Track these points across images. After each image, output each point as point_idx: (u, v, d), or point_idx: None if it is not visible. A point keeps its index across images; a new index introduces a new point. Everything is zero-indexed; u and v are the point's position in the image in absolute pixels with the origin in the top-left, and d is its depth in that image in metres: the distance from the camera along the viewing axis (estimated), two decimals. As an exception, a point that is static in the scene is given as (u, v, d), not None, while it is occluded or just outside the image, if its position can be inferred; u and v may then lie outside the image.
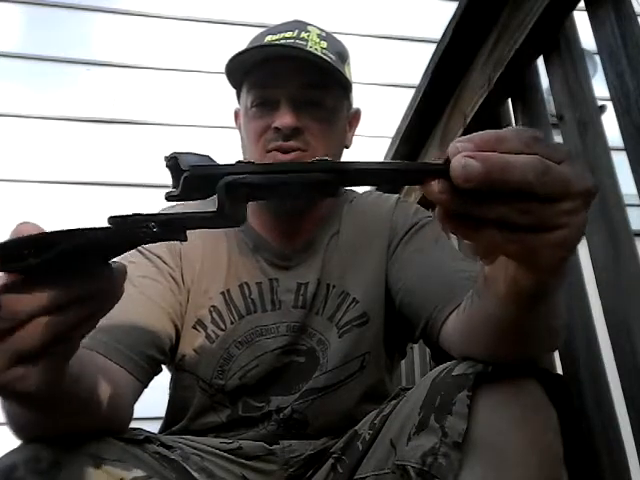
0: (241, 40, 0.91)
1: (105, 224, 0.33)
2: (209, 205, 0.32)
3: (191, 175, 0.31)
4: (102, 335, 0.67)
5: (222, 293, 0.85)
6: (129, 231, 0.32)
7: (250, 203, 0.34)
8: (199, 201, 0.36)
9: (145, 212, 0.33)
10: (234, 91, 0.93)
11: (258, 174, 0.32)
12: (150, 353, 0.74)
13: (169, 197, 0.33)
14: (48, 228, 0.36)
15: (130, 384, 0.69)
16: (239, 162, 0.33)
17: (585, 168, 0.38)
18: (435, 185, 0.35)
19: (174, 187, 0.33)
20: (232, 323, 0.84)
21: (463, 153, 0.34)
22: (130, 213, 0.32)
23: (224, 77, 0.89)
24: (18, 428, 0.56)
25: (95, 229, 0.33)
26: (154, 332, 0.76)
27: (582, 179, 0.37)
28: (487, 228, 0.36)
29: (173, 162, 0.33)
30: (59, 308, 0.36)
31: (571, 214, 0.36)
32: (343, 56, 0.89)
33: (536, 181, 0.34)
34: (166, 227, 0.32)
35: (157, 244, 0.83)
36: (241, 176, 0.31)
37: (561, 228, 0.36)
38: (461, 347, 0.65)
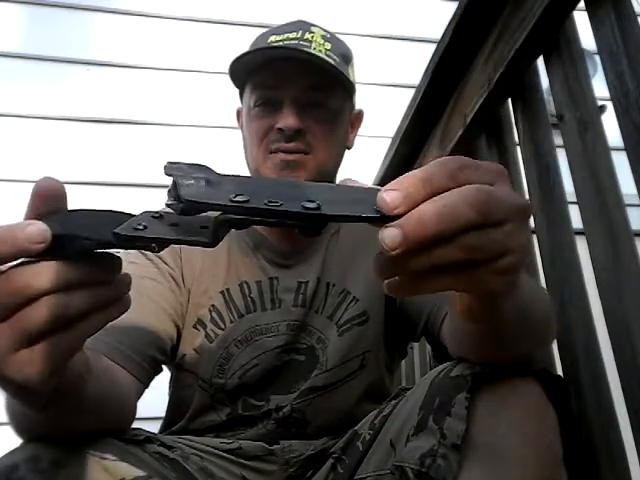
0: (241, 40, 0.91)
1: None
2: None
3: (186, 207, 0.34)
4: (104, 335, 0.67)
5: (222, 292, 0.85)
6: (131, 246, 0.36)
7: None
8: None
9: (146, 223, 0.35)
10: (235, 91, 0.93)
11: (250, 216, 0.34)
12: (151, 353, 0.74)
13: (168, 206, 0.35)
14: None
15: (132, 384, 0.70)
16: (234, 195, 0.34)
17: (511, 186, 0.37)
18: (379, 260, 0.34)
19: (171, 198, 0.35)
20: (232, 322, 0.84)
21: (389, 227, 0.33)
22: (135, 233, 0.35)
23: (224, 77, 0.89)
24: (22, 429, 0.56)
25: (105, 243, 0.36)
26: (155, 332, 0.76)
27: (517, 197, 0.36)
28: (434, 274, 0.34)
29: (173, 180, 0.35)
30: (68, 287, 0.36)
31: (514, 236, 0.35)
32: (347, 57, 0.89)
33: (479, 215, 0.33)
34: (166, 246, 0.36)
35: None
36: (236, 217, 0.35)
37: (507, 254, 0.35)
38: (453, 348, 0.65)
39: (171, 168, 0.35)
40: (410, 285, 0.35)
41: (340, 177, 0.91)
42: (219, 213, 0.35)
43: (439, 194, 0.33)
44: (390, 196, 0.33)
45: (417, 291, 0.36)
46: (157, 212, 0.36)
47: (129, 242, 0.35)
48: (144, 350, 0.73)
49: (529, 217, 0.37)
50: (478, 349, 0.60)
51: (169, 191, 0.35)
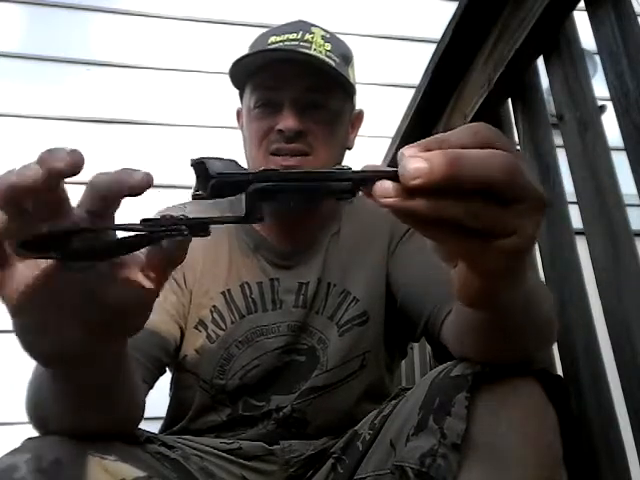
0: (241, 40, 0.91)
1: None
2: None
3: (218, 182, 0.33)
4: None
5: (223, 293, 0.85)
6: (160, 235, 0.35)
7: None
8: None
9: (177, 216, 0.34)
10: (234, 91, 0.93)
11: (282, 182, 0.34)
12: (156, 355, 0.75)
13: (195, 196, 0.35)
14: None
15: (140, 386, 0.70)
16: (264, 170, 0.34)
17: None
18: (381, 186, 0.32)
19: (197, 187, 0.35)
20: (233, 323, 0.84)
21: (409, 153, 0.32)
22: (160, 217, 0.34)
23: (224, 77, 0.89)
24: (41, 416, 0.57)
25: (128, 237, 0.35)
26: (159, 334, 0.76)
27: (537, 183, 0.34)
28: (438, 227, 0.33)
29: (199, 166, 0.35)
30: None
31: (524, 219, 0.33)
32: (347, 58, 0.89)
33: (502, 179, 0.32)
34: (196, 229, 0.35)
35: None
36: (268, 184, 0.34)
37: (512, 235, 0.33)
38: (455, 348, 0.65)
39: (198, 161, 0.35)
40: (407, 217, 0.33)
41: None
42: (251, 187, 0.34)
43: None
44: (415, 166, 0.31)
45: (424, 231, 0.34)
46: (167, 214, 0.35)
47: (158, 228, 0.34)
48: (149, 351, 0.73)
49: (544, 207, 0.35)
50: (482, 344, 0.59)
51: (196, 183, 0.35)
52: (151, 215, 0.37)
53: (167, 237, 0.35)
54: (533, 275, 0.55)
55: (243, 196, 0.34)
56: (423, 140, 0.33)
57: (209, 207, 0.87)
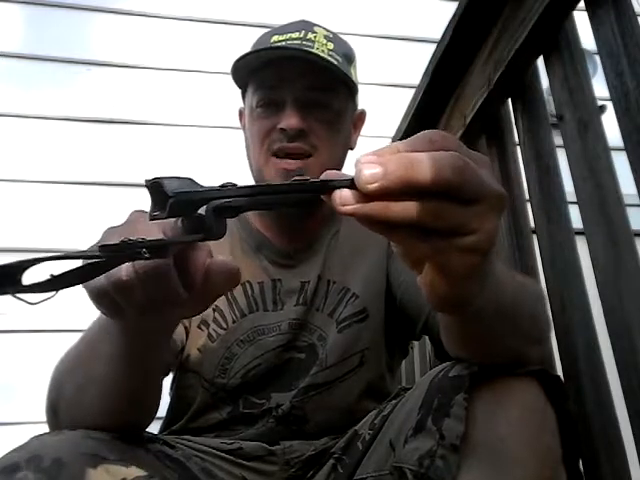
0: (241, 40, 0.91)
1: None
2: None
3: (176, 201, 0.33)
4: None
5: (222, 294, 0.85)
6: (120, 260, 0.34)
7: None
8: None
9: (134, 239, 0.33)
10: (235, 91, 0.93)
11: (240, 197, 0.34)
12: (164, 357, 0.75)
13: (153, 218, 0.34)
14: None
15: None
16: (223, 185, 0.34)
17: (495, 176, 0.36)
18: (339, 196, 0.33)
19: (155, 208, 0.34)
20: (234, 322, 0.84)
21: (364, 160, 0.33)
22: (120, 242, 0.33)
23: (225, 77, 0.89)
24: (70, 402, 0.60)
25: (85, 264, 0.34)
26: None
27: (496, 184, 0.35)
28: (397, 229, 0.34)
29: (155, 186, 0.34)
30: None
31: (483, 218, 0.34)
32: (349, 57, 0.89)
33: (454, 178, 0.32)
34: (157, 253, 0.34)
35: None
36: (226, 200, 0.34)
37: (472, 233, 0.34)
38: (448, 347, 0.65)
39: (153, 181, 0.34)
40: (368, 222, 0.34)
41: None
42: (209, 204, 0.34)
43: None
44: (370, 172, 0.32)
45: (384, 234, 0.35)
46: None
47: (117, 252, 0.33)
48: None
49: (504, 206, 0.36)
50: (464, 346, 0.60)
51: (153, 203, 0.34)
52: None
53: (127, 261, 0.34)
54: (507, 272, 0.55)
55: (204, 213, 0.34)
56: (379, 149, 0.34)
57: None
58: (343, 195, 0.33)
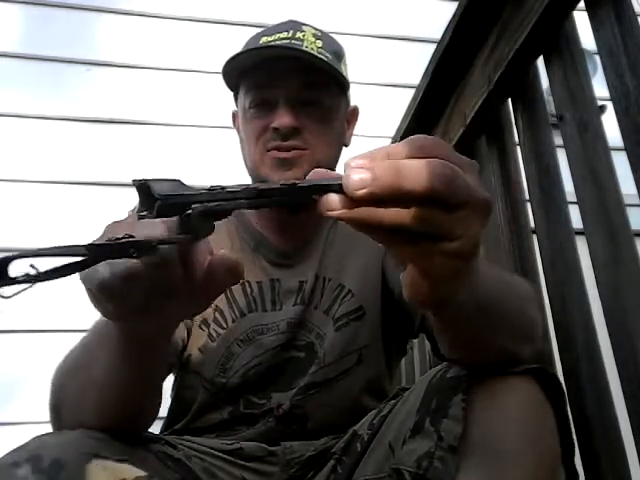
0: (241, 40, 0.91)
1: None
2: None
3: (163, 204, 0.34)
4: None
5: (224, 291, 0.85)
6: (108, 256, 0.34)
7: None
8: None
9: (122, 236, 0.34)
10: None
11: (227, 201, 0.34)
12: (167, 358, 0.75)
13: (141, 217, 0.35)
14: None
15: None
16: (211, 188, 0.34)
17: (480, 181, 0.36)
18: (326, 200, 0.34)
19: (142, 208, 0.35)
20: (233, 321, 0.84)
21: (354, 164, 0.33)
22: (108, 240, 0.33)
23: (224, 77, 0.89)
24: (72, 402, 0.60)
25: (72, 262, 0.33)
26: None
27: (482, 190, 0.36)
28: (383, 232, 0.34)
29: (143, 187, 0.34)
30: None
31: (468, 224, 0.35)
32: (339, 55, 0.89)
33: (441, 186, 0.33)
34: (144, 251, 0.34)
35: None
36: (213, 204, 0.34)
37: (456, 239, 0.35)
38: (441, 349, 0.65)
39: (141, 182, 0.35)
40: (355, 226, 0.35)
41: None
42: (195, 207, 0.34)
43: None
44: (358, 177, 0.33)
45: (361, 231, 0.35)
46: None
47: (103, 252, 0.33)
48: None
49: (488, 211, 0.36)
50: (452, 346, 0.60)
51: (140, 203, 0.35)
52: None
53: (114, 259, 0.34)
54: (494, 271, 0.55)
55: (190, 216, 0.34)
56: (369, 151, 0.35)
57: None
58: (330, 200, 0.34)
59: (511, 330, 0.59)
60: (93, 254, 0.33)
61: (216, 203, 0.34)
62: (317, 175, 0.35)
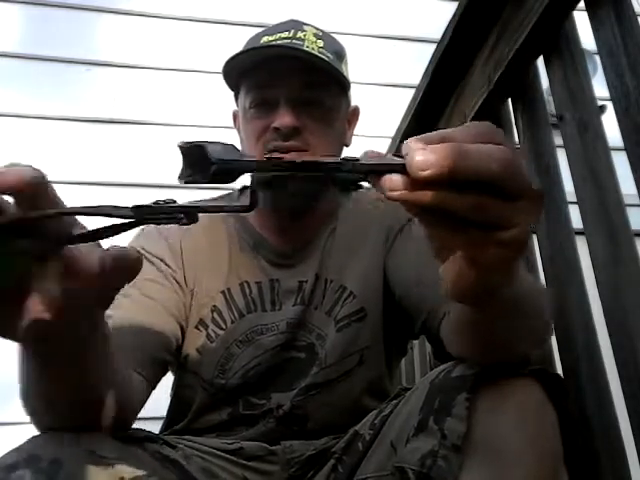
0: (241, 40, 0.91)
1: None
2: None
3: (220, 169, 0.32)
4: (113, 337, 0.67)
5: (223, 292, 0.85)
6: (154, 221, 0.33)
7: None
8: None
9: (162, 202, 0.33)
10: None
11: (287, 171, 0.33)
12: (160, 355, 0.75)
13: (188, 181, 0.34)
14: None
15: (140, 385, 0.70)
16: (268, 159, 0.33)
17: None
18: (390, 180, 0.33)
19: (189, 170, 0.33)
20: (232, 322, 0.84)
21: (417, 146, 0.33)
22: (156, 202, 0.32)
23: (224, 77, 0.89)
24: (32, 407, 0.57)
25: (120, 224, 0.33)
26: (161, 334, 0.76)
27: (534, 182, 0.36)
28: (439, 219, 0.34)
29: (196, 150, 0.33)
30: None
31: (523, 215, 0.34)
32: (340, 54, 0.89)
33: (502, 172, 0.33)
34: (191, 217, 0.33)
35: (158, 244, 0.84)
36: (273, 173, 0.33)
37: (510, 228, 0.34)
38: (452, 347, 0.65)
39: (190, 142, 0.34)
40: (412, 207, 0.34)
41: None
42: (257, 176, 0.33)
43: None
44: (423, 158, 0.32)
45: (419, 216, 0.35)
46: (169, 199, 0.34)
47: (154, 215, 0.32)
48: (152, 351, 0.74)
49: (542, 204, 0.36)
50: (476, 343, 0.59)
51: (186, 165, 0.33)
52: None
53: (162, 223, 0.33)
54: (525, 274, 0.55)
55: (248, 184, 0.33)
56: (426, 134, 0.34)
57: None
58: (393, 180, 0.33)
59: (529, 331, 0.59)
60: (140, 216, 0.32)
61: (275, 173, 0.33)
62: (370, 155, 0.34)
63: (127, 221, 0.33)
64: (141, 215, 0.32)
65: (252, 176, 0.33)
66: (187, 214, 0.33)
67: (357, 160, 0.33)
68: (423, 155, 0.32)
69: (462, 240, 0.35)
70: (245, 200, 0.35)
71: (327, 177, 0.34)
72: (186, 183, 0.34)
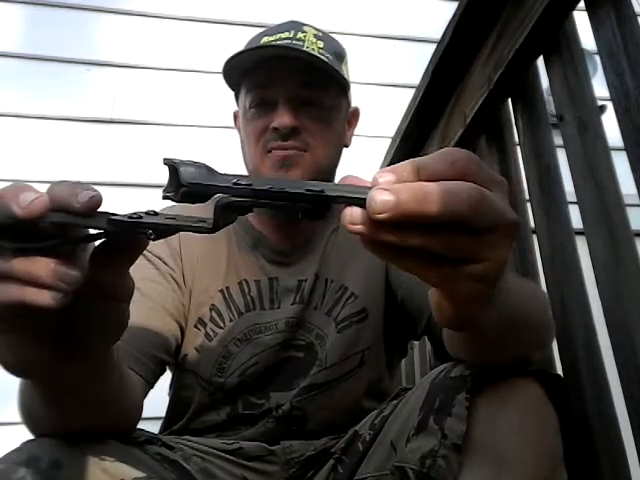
0: (241, 40, 0.91)
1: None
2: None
3: (187, 192, 0.34)
4: None
5: (221, 291, 0.85)
6: (125, 234, 0.35)
7: None
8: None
9: (142, 214, 0.34)
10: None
11: (252, 198, 0.34)
12: (158, 355, 0.75)
13: (165, 197, 0.35)
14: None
15: (139, 385, 0.70)
16: (236, 183, 0.34)
17: (506, 198, 0.35)
18: (350, 214, 0.32)
19: (169, 188, 0.35)
20: (231, 321, 0.84)
21: (379, 186, 0.32)
22: (130, 216, 0.34)
23: (224, 77, 0.89)
24: (32, 419, 0.57)
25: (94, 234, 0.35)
26: (160, 334, 0.76)
27: (509, 211, 0.34)
28: (406, 256, 0.33)
29: (172, 168, 0.35)
30: None
31: (495, 248, 0.34)
32: (340, 55, 0.89)
33: (469, 213, 0.31)
34: (161, 234, 0.35)
35: (158, 243, 0.84)
36: (237, 199, 0.34)
37: (482, 262, 0.34)
38: (450, 349, 0.65)
39: (170, 159, 0.35)
40: (384, 253, 0.34)
41: (339, 177, 0.91)
42: (220, 199, 0.34)
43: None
44: (382, 199, 0.31)
45: (390, 260, 0.35)
46: (151, 210, 0.36)
47: (124, 229, 0.34)
48: (151, 351, 0.74)
49: (516, 234, 0.35)
50: (468, 354, 0.60)
51: (168, 182, 0.35)
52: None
53: (131, 235, 0.36)
54: (517, 281, 0.55)
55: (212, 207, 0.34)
56: (399, 165, 0.33)
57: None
58: (353, 214, 0.32)
59: (530, 338, 0.60)
60: (112, 228, 0.34)
61: (240, 199, 0.34)
62: (347, 181, 0.34)
63: (97, 232, 0.35)
64: (115, 227, 0.34)
65: (217, 201, 0.34)
66: (155, 230, 0.34)
67: (322, 191, 0.33)
68: (383, 196, 0.31)
69: (434, 275, 0.35)
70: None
71: (290, 208, 0.34)
72: (164, 198, 0.35)
